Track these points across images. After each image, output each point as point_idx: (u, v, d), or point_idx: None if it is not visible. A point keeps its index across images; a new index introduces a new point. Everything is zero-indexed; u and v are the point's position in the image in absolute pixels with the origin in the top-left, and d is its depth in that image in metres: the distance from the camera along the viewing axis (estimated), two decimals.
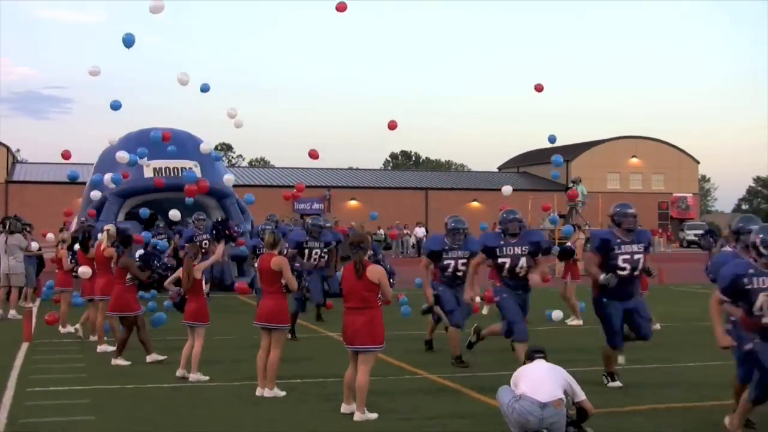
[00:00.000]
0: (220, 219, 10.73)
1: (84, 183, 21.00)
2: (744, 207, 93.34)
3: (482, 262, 9.35)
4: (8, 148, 50.32)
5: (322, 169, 55.18)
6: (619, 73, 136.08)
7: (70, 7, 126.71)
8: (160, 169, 20.14)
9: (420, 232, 42.84)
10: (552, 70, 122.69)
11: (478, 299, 11.37)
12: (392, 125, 14.46)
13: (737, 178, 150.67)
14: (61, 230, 17.17)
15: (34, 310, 14.09)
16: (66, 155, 14.84)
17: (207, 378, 8.97)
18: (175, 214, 15.59)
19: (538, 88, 14.72)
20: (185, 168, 19.77)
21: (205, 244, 15.18)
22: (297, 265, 11.86)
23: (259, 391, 8.17)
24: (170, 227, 19.50)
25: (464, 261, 9.92)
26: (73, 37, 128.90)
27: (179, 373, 9.11)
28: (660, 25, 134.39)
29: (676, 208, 59.07)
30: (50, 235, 14.62)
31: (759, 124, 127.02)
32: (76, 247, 12.37)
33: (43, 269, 17.67)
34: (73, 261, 12.64)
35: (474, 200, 53.01)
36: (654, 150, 59.84)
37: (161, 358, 10.14)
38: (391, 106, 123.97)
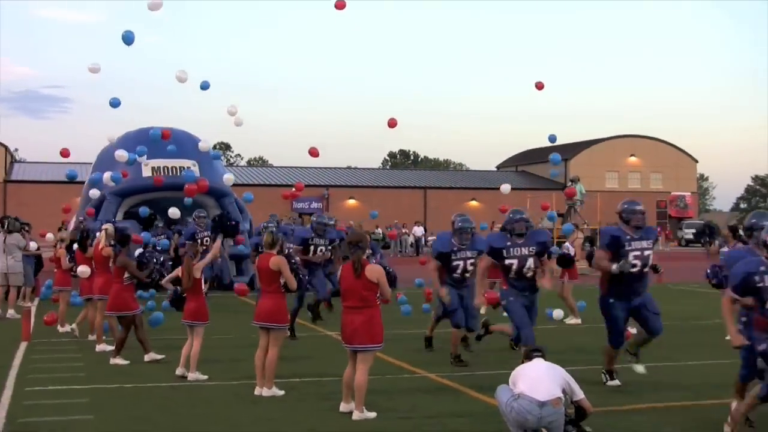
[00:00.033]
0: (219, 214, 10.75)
1: (82, 182, 20.97)
2: (742, 206, 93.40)
3: (489, 266, 9.18)
4: (6, 148, 50.31)
5: (320, 168, 55.12)
6: (619, 73, 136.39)
7: (70, 6, 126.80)
8: (159, 168, 20.14)
9: (418, 231, 42.82)
10: (551, 70, 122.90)
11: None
12: (392, 123, 14.45)
13: (736, 177, 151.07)
14: (60, 229, 17.16)
15: (33, 310, 14.08)
16: (65, 153, 14.81)
17: (205, 377, 8.97)
18: (174, 212, 15.58)
19: (539, 86, 14.69)
20: (184, 167, 19.76)
21: (206, 241, 15.17)
22: (294, 260, 11.86)
23: (257, 390, 8.17)
24: (169, 227, 19.49)
25: (472, 261, 9.88)
26: (73, 37, 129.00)
27: (179, 371, 9.11)
28: (659, 24, 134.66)
29: (674, 207, 59.12)
30: (50, 235, 14.61)
31: (758, 123, 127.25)
32: (75, 246, 12.36)
33: (41, 269, 17.67)
34: (71, 261, 12.63)
35: (472, 199, 52.99)
36: (652, 149, 59.88)
37: (159, 357, 10.13)
38: (390, 105, 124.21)
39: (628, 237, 8.22)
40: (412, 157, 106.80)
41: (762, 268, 6.01)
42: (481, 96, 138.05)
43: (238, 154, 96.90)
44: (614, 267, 8.10)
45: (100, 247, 11.03)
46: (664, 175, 59.80)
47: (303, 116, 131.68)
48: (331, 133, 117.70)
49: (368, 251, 8.10)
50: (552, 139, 15.03)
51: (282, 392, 8.16)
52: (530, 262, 8.80)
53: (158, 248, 13.39)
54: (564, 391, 6.32)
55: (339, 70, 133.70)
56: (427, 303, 13.63)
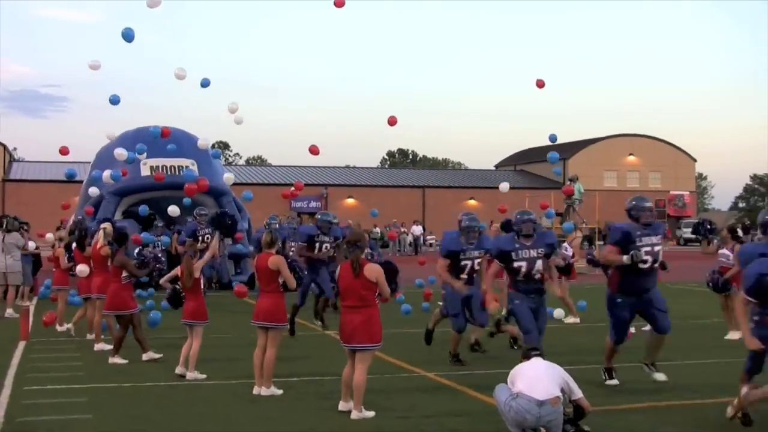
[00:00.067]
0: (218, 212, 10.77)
1: (81, 181, 20.96)
2: (741, 205, 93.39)
3: (498, 270, 8.95)
4: (5, 147, 50.30)
5: (319, 167, 55.13)
6: (618, 72, 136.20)
7: (70, 6, 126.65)
8: (157, 167, 20.11)
9: (417, 230, 42.79)
10: (550, 69, 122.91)
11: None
12: (392, 121, 14.46)
13: (734, 176, 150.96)
14: (58, 228, 17.14)
15: (31, 309, 14.07)
16: (64, 151, 14.81)
17: (204, 376, 8.96)
18: (174, 209, 15.55)
19: (540, 84, 14.68)
20: (182, 166, 19.75)
21: (207, 238, 15.16)
22: (290, 254, 11.90)
23: (256, 390, 8.17)
24: (168, 227, 19.46)
25: (479, 261, 9.85)
26: (71, 36, 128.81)
27: (178, 370, 9.11)
28: (659, 24, 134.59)
29: (672, 206, 59.13)
30: (49, 235, 14.59)
31: (757, 123, 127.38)
32: (74, 245, 12.35)
33: (39, 268, 17.65)
34: (70, 260, 12.62)
35: (471, 198, 52.96)
36: (651, 148, 59.91)
37: (157, 356, 10.13)
38: (390, 104, 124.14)
39: (639, 233, 8.23)
40: (410, 157, 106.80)
41: None
42: (480, 95, 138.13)
43: (237, 153, 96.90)
44: (625, 258, 8.10)
45: (98, 246, 11.02)
46: (663, 174, 59.84)
47: (302, 115, 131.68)
48: (329, 132, 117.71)
49: (367, 250, 8.09)
50: (552, 138, 15.03)
51: (280, 391, 8.15)
52: (539, 264, 8.67)
53: (156, 246, 13.35)
54: (562, 390, 6.32)
55: (338, 69, 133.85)
56: (426, 302, 13.65)
